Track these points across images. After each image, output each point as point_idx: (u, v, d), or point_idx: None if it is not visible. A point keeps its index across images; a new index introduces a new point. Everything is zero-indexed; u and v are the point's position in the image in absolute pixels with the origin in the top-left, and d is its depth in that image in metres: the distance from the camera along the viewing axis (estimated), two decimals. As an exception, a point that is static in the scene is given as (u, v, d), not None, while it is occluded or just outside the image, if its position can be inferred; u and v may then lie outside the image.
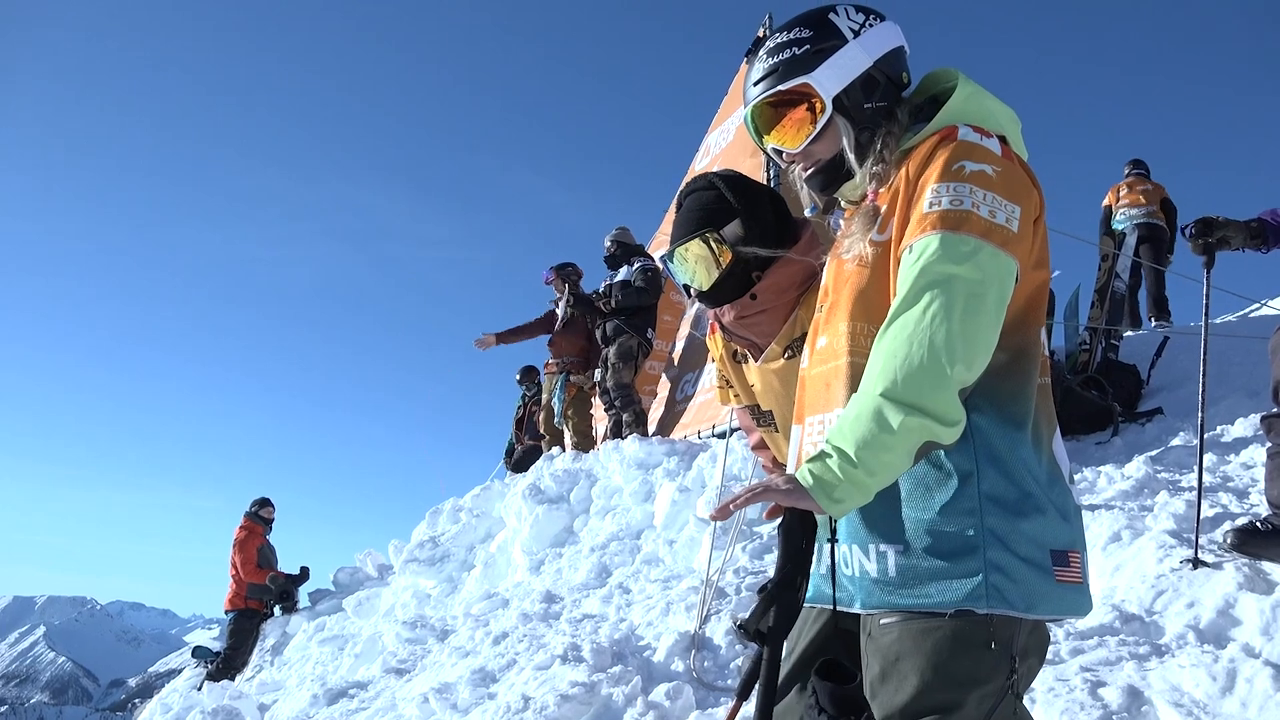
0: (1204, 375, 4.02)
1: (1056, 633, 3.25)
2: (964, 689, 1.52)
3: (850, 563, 1.63)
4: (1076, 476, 4.96)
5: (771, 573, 1.57)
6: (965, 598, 1.50)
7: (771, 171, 7.41)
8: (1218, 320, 8.95)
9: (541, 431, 9.47)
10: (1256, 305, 8.43)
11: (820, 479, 1.46)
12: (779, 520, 1.54)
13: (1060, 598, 1.55)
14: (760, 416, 2.40)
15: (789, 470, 1.89)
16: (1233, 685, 2.74)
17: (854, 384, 1.63)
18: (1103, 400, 6.37)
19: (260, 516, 10.55)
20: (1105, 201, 10.50)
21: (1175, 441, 5.50)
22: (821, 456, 1.48)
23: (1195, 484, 3.84)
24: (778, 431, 2.34)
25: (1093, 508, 4.35)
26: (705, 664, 3.88)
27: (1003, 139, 1.67)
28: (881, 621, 1.59)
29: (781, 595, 1.53)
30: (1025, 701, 2.83)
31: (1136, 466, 4.89)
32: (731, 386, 2.47)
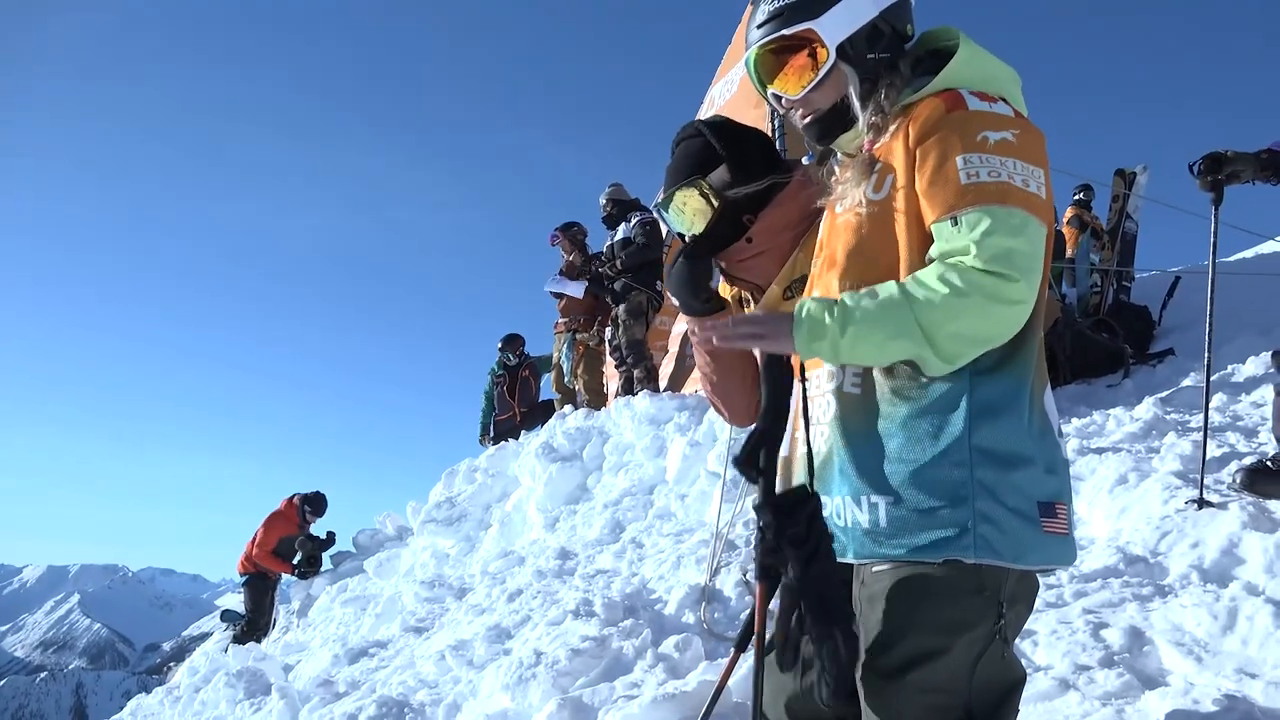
0: (1211, 315, 4.00)
1: (1060, 576, 3.27)
2: (952, 634, 1.55)
3: (843, 514, 1.65)
4: (1085, 420, 4.96)
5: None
6: (954, 547, 1.53)
7: (776, 123, 7.32)
8: (1230, 259, 8.84)
9: (554, 391, 9.55)
10: (1268, 241, 8.32)
11: (815, 321, 1.52)
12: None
13: (1047, 548, 1.58)
14: None
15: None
16: (1234, 623, 2.76)
17: None
18: (1114, 342, 6.35)
19: (305, 515, 10.54)
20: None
21: (1186, 382, 5.49)
22: (829, 305, 1.53)
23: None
24: None
25: (1100, 451, 4.35)
26: (715, 615, 3.92)
27: (1004, 100, 1.65)
28: (873, 570, 1.62)
29: (769, 433, 1.65)
30: (1027, 644, 2.88)
31: (1146, 408, 4.88)
32: None
